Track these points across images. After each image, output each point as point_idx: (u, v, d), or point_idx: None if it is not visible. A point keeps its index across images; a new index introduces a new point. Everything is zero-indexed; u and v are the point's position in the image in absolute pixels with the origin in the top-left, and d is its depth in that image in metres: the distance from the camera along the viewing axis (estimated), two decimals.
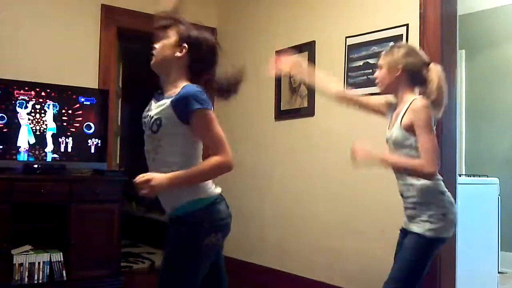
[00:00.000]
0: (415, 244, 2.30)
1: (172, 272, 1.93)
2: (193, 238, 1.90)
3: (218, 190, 1.98)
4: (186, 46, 1.97)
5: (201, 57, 1.98)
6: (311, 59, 3.98)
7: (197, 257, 1.91)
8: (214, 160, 1.85)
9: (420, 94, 2.32)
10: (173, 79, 1.98)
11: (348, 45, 3.66)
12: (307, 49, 4.03)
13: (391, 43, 3.27)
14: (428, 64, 2.33)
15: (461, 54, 5.63)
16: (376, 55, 3.41)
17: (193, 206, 1.91)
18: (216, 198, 1.95)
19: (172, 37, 2.00)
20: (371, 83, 3.29)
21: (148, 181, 1.82)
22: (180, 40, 1.98)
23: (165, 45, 2.00)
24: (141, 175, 1.83)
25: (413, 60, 2.32)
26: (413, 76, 2.32)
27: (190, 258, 1.91)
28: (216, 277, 2.07)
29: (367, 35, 3.51)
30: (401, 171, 2.29)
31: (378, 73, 2.43)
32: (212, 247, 1.92)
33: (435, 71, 2.29)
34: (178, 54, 1.98)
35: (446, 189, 2.30)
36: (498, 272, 3.75)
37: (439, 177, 2.30)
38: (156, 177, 1.83)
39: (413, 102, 2.25)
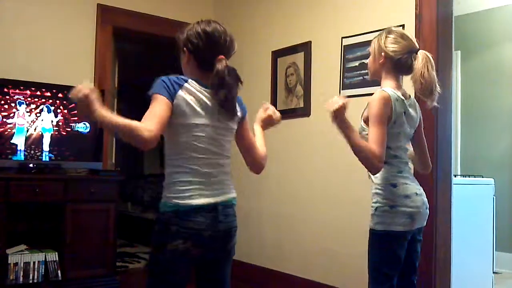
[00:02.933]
0: (370, 241, 2.30)
1: (149, 274, 1.95)
2: (160, 239, 1.89)
3: (202, 200, 1.89)
4: (185, 49, 1.98)
5: (197, 49, 1.95)
6: (307, 60, 3.99)
7: (163, 260, 1.89)
8: (135, 122, 1.72)
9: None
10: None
11: (344, 46, 3.67)
12: (303, 49, 4.04)
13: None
14: (416, 51, 2.28)
15: (457, 55, 5.65)
16: None
17: (167, 207, 1.89)
18: (195, 207, 1.87)
19: (182, 53, 2.02)
20: (367, 83, 3.30)
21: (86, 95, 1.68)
22: (183, 49, 2.00)
23: (183, 65, 2.03)
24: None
25: (397, 48, 2.28)
26: (396, 64, 2.29)
27: (157, 260, 1.92)
28: None
29: (363, 35, 3.51)
30: (351, 148, 2.17)
31: (368, 60, 2.43)
32: (181, 254, 1.86)
33: (421, 59, 2.24)
34: (184, 60, 2.00)
35: (402, 181, 2.24)
36: (493, 272, 3.76)
37: (392, 168, 2.25)
38: (94, 97, 1.69)
39: (374, 94, 2.24)
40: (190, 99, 1.88)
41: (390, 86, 2.28)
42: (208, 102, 1.91)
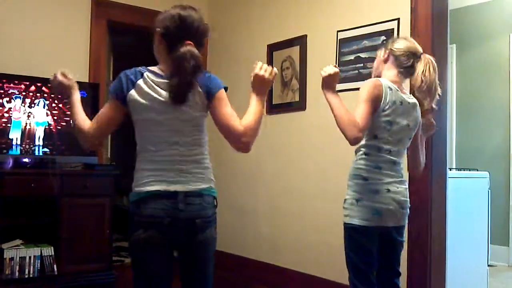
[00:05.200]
0: (344, 234, 2.32)
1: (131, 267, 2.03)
2: (128, 230, 1.96)
3: (158, 186, 1.90)
4: (157, 29, 2.01)
5: (167, 32, 1.97)
6: (303, 53, 3.98)
7: (131, 251, 1.99)
8: (85, 121, 2.01)
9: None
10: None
11: (339, 39, 3.66)
12: (299, 43, 4.03)
13: (382, 37, 3.30)
14: (419, 55, 2.32)
15: (452, 49, 5.66)
16: (368, 49, 3.43)
17: (131, 196, 1.97)
18: (151, 194, 1.90)
19: (155, 35, 2.04)
20: (362, 77, 3.29)
21: (55, 76, 2.11)
22: (155, 29, 2.03)
23: (154, 48, 2.06)
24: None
25: (401, 46, 2.33)
26: (397, 61, 2.33)
27: (129, 251, 2.02)
28: (187, 281, 2.04)
29: (358, 29, 3.51)
30: (334, 115, 2.18)
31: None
32: (144, 243, 1.90)
33: (423, 60, 2.30)
34: (156, 42, 2.03)
35: (375, 177, 2.23)
36: (488, 265, 3.78)
37: (370, 162, 2.25)
38: (63, 77, 2.13)
39: None
40: (142, 96, 1.90)
41: (387, 78, 2.30)
42: (163, 91, 1.91)
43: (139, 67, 1.96)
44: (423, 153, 2.48)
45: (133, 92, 1.90)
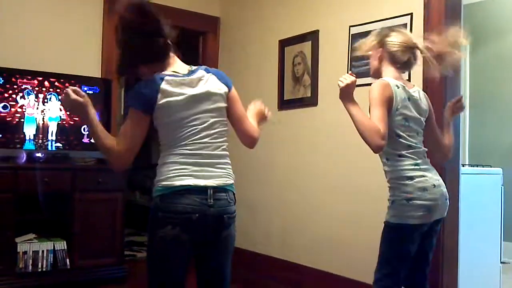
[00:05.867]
0: (383, 233, 2.30)
1: (147, 263, 1.98)
2: (150, 226, 1.90)
3: (189, 181, 1.87)
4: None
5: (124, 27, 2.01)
6: (315, 49, 3.97)
7: (154, 247, 1.92)
8: (111, 141, 1.87)
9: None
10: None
11: (352, 34, 3.64)
12: (311, 38, 4.01)
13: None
14: (414, 47, 2.31)
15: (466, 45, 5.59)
16: None
17: (155, 191, 1.91)
18: (180, 188, 1.86)
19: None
20: (361, 74, 3.27)
21: (68, 94, 1.86)
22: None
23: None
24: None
25: (395, 39, 2.32)
26: (393, 56, 2.32)
27: (149, 247, 1.96)
28: (206, 278, 2.04)
29: (371, 24, 3.48)
30: (355, 124, 2.19)
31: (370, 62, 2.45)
32: (172, 240, 1.85)
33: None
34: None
35: (418, 174, 2.23)
36: (501, 262, 3.75)
37: (407, 161, 2.25)
38: (77, 95, 1.86)
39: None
40: (170, 98, 1.88)
41: (390, 76, 2.31)
42: (189, 89, 1.92)
43: (154, 76, 1.92)
44: (450, 133, 2.48)
45: (161, 98, 1.87)
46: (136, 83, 1.92)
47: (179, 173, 1.87)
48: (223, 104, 2.00)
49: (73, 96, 1.85)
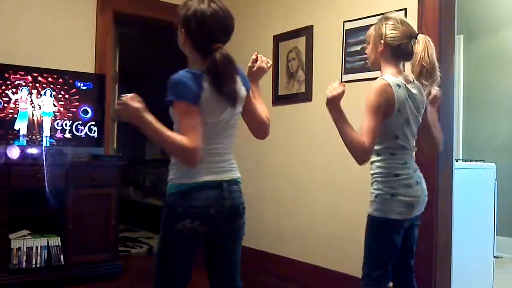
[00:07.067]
0: (368, 227, 2.31)
1: (157, 254, 2.01)
2: (168, 221, 1.94)
3: (207, 177, 1.91)
4: (183, 29, 1.95)
5: (193, 32, 1.92)
6: (309, 44, 3.97)
7: (172, 242, 1.96)
8: (182, 138, 1.78)
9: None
10: (190, 64, 2.00)
11: (346, 30, 3.64)
12: (305, 33, 4.01)
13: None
14: (415, 36, 2.26)
15: (460, 39, 5.60)
16: None
17: (172, 188, 1.94)
18: (198, 185, 1.90)
19: (179, 31, 1.99)
20: (368, 68, 3.27)
21: (126, 103, 1.78)
22: (180, 29, 1.97)
23: (180, 44, 2.00)
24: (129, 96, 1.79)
25: (397, 33, 2.26)
26: (396, 51, 2.27)
27: (166, 242, 1.98)
28: (218, 267, 2.08)
29: (365, 19, 3.49)
30: (341, 136, 2.19)
31: (367, 48, 2.41)
32: (190, 234, 1.89)
33: (421, 43, 2.22)
34: (181, 41, 1.98)
35: (405, 172, 2.24)
36: (494, 257, 3.77)
37: (398, 160, 2.25)
38: (135, 102, 1.78)
39: (374, 82, 2.23)
40: (209, 97, 1.87)
41: (390, 73, 2.26)
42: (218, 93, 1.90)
43: (187, 69, 1.88)
44: (438, 129, 2.47)
45: (203, 93, 1.85)
46: (172, 78, 1.86)
47: (196, 171, 1.89)
48: (240, 108, 2.06)
49: (134, 104, 1.78)
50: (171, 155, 1.92)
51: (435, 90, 2.40)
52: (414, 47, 2.23)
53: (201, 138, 1.82)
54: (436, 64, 2.23)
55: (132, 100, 1.78)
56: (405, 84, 2.24)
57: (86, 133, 4.03)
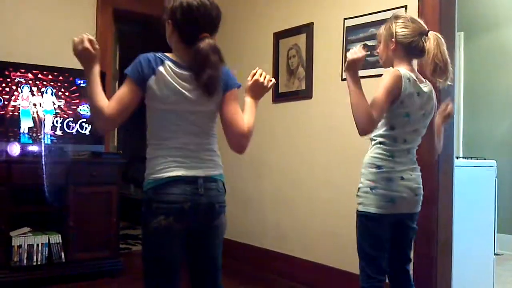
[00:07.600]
0: (356, 222, 2.32)
1: (142, 255, 1.99)
2: (144, 218, 1.93)
3: (179, 172, 1.89)
4: (170, 21, 1.95)
5: (180, 22, 1.91)
6: (309, 41, 3.96)
7: (149, 239, 1.95)
8: (102, 103, 1.84)
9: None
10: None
11: (346, 27, 3.64)
12: (305, 31, 4.01)
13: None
14: (426, 33, 2.27)
15: (460, 37, 5.60)
16: (375, 36, 3.39)
17: (147, 184, 1.94)
18: (171, 179, 1.88)
19: (166, 24, 1.98)
20: (369, 65, 3.27)
21: (82, 40, 1.90)
22: (167, 20, 1.96)
23: (167, 37, 2.00)
24: None
25: (408, 31, 2.26)
26: (408, 48, 2.28)
27: (144, 239, 1.99)
28: (198, 267, 2.04)
29: (365, 16, 3.49)
30: (351, 102, 2.18)
31: (378, 47, 2.41)
32: (166, 230, 1.87)
33: (432, 40, 2.24)
34: (168, 31, 1.97)
35: (388, 165, 2.22)
36: (494, 254, 3.77)
37: (384, 151, 2.24)
38: (95, 50, 1.89)
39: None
40: (162, 84, 1.87)
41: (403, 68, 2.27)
42: (184, 83, 1.88)
43: (158, 53, 1.90)
44: (440, 139, 2.47)
45: (154, 79, 1.86)
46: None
47: (168, 166, 1.90)
48: (216, 106, 2.00)
49: (87, 44, 1.88)
50: (90, 108, 1.92)
51: (450, 107, 2.44)
52: (425, 44, 2.24)
53: (120, 109, 1.84)
54: (449, 60, 2.25)
55: (90, 42, 1.89)
56: (415, 80, 2.24)
57: (86, 130, 4.03)
